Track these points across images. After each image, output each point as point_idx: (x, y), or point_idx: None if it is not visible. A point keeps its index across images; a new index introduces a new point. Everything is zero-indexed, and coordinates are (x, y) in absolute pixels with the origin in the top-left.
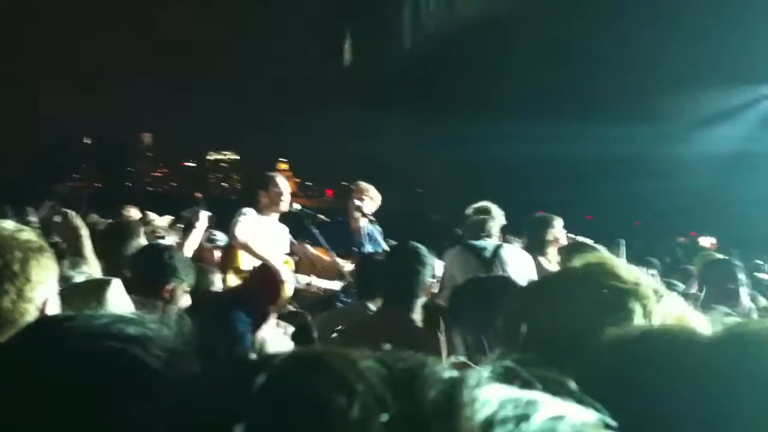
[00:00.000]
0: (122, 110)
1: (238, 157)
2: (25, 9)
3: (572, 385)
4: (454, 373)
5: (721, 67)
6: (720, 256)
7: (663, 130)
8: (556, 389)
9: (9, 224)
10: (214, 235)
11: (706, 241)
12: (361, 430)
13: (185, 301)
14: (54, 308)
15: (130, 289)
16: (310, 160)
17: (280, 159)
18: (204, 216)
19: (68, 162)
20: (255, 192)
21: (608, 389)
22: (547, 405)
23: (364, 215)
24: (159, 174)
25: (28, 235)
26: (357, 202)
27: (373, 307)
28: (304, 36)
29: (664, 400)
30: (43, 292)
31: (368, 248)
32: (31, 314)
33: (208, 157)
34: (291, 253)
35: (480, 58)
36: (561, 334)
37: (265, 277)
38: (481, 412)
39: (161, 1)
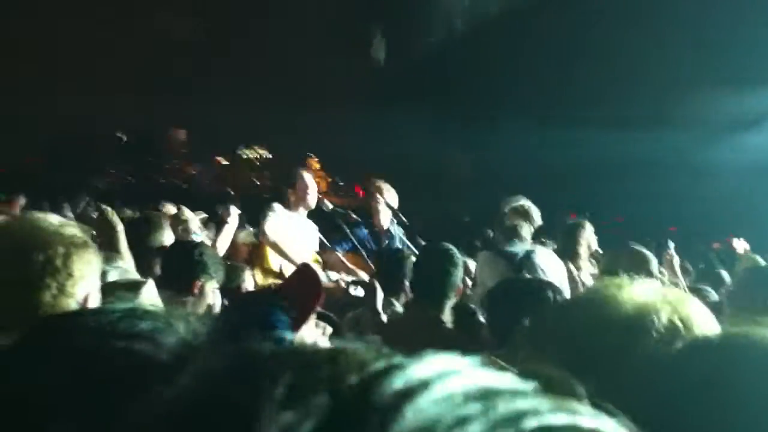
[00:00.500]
0: (156, 106)
1: (270, 156)
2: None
3: (581, 390)
4: (422, 374)
5: (754, 69)
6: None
7: (696, 133)
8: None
9: (54, 219)
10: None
11: (740, 247)
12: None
13: (215, 298)
14: (95, 303)
15: (159, 284)
16: (342, 158)
17: (312, 156)
18: (235, 212)
19: (102, 157)
20: (283, 189)
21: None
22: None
23: (393, 215)
24: (193, 171)
25: (73, 230)
26: (387, 201)
27: (398, 305)
28: (337, 33)
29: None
30: (84, 287)
31: (396, 246)
32: (72, 309)
33: (241, 154)
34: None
35: (511, 56)
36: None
37: (306, 277)
38: (416, 418)
39: None
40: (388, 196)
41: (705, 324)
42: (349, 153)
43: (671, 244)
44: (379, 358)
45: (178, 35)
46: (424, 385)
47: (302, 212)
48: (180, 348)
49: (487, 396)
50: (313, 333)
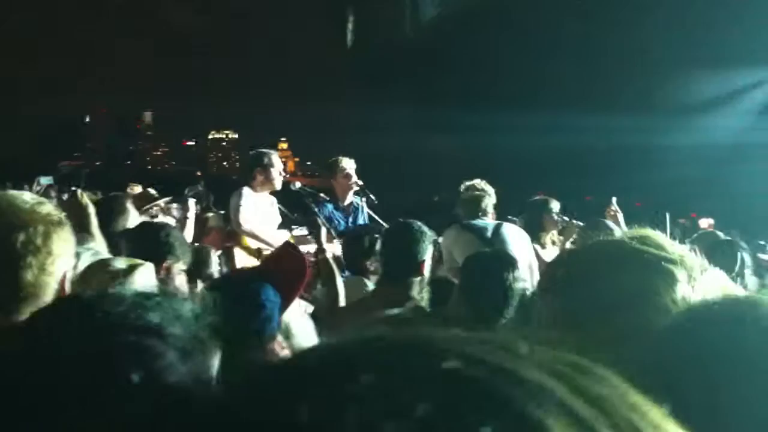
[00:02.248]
0: (123, 90)
1: (237, 136)
2: None
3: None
4: None
5: (720, 51)
6: (723, 236)
7: (662, 116)
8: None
9: (28, 197)
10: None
11: (705, 223)
12: None
13: (181, 279)
14: (69, 281)
15: None
16: (310, 139)
17: (280, 138)
18: (192, 204)
19: (69, 141)
20: (250, 170)
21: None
22: None
23: (361, 192)
24: (159, 153)
25: (48, 208)
26: (349, 179)
27: (369, 283)
28: (308, 16)
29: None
30: (62, 265)
31: (361, 222)
32: (51, 287)
33: (209, 137)
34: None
35: (489, 42)
36: (616, 297)
37: (290, 256)
38: None
39: None
40: (351, 171)
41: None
42: (318, 134)
43: (614, 200)
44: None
45: (155, 18)
46: None
47: (267, 193)
48: (188, 342)
49: None
50: (297, 311)
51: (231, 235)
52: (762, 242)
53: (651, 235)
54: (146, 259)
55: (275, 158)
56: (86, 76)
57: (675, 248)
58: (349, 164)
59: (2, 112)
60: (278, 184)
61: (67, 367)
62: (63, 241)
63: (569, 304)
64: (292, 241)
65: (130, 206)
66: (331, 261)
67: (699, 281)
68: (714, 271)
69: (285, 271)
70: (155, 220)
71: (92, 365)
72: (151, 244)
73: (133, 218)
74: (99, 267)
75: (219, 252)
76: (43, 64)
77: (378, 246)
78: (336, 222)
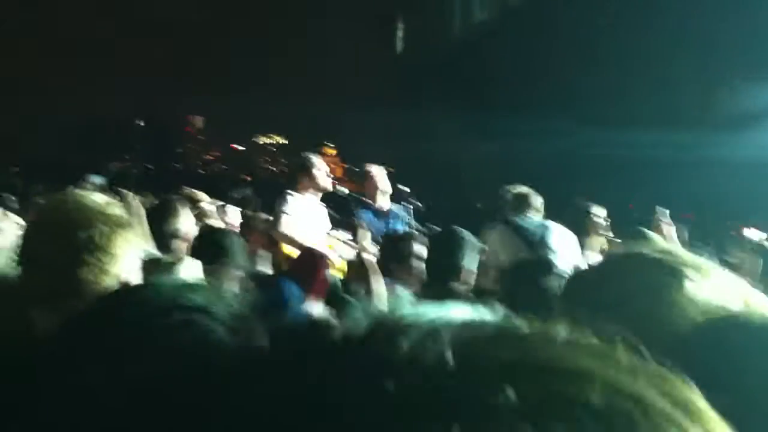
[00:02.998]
0: (171, 93)
1: (287, 141)
2: None
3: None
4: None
5: (745, 65)
6: None
7: (714, 128)
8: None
9: (98, 197)
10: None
11: (749, 233)
12: None
13: (239, 285)
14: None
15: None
16: (359, 145)
17: (326, 143)
18: (233, 211)
19: (119, 142)
20: (294, 174)
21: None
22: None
23: (405, 199)
24: (209, 157)
25: (116, 209)
26: (372, 181)
27: (401, 289)
28: (358, 20)
29: None
30: (124, 267)
31: (399, 229)
32: (111, 288)
33: (258, 141)
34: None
35: (529, 51)
36: (624, 295)
37: (308, 263)
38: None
39: None
40: (381, 179)
41: None
42: (368, 143)
43: (663, 210)
44: None
45: (195, 23)
46: None
47: (314, 197)
48: (234, 320)
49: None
50: (320, 307)
51: (273, 240)
52: None
53: (657, 240)
54: (205, 262)
55: (317, 160)
56: (134, 78)
57: (683, 251)
58: (374, 169)
59: (46, 110)
60: (326, 185)
61: (122, 347)
62: (126, 243)
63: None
64: (330, 247)
65: (184, 208)
66: (368, 263)
67: (710, 281)
68: (728, 273)
69: (303, 279)
70: (207, 223)
71: (145, 345)
72: (210, 247)
73: (188, 221)
74: (149, 262)
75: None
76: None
77: (412, 246)
78: (372, 226)
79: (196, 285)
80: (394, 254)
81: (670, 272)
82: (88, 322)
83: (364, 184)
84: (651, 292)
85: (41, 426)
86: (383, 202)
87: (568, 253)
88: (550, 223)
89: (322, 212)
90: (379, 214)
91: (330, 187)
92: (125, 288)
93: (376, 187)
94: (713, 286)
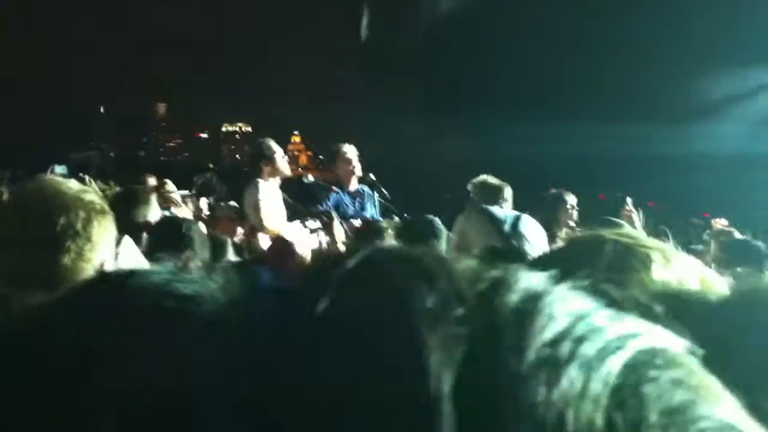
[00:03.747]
0: (136, 80)
1: (251, 129)
2: None
3: (657, 308)
4: (538, 285)
5: (730, 51)
6: (739, 235)
7: (678, 121)
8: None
9: (74, 184)
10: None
11: (718, 223)
12: (434, 320)
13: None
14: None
15: (145, 257)
16: (323, 133)
17: (293, 132)
18: (204, 203)
19: (82, 130)
20: (256, 162)
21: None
22: (625, 323)
23: (373, 186)
24: (173, 145)
25: (92, 196)
26: (349, 164)
27: None
28: (323, 7)
29: None
30: (101, 253)
31: (370, 211)
32: (88, 274)
33: (222, 129)
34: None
35: (504, 46)
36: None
37: (280, 250)
38: (553, 327)
39: None
40: (352, 155)
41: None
42: (332, 128)
43: (629, 200)
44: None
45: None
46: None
47: (275, 183)
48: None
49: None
50: None
51: (252, 230)
52: None
53: (625, 227)
54: (166, 251)
55: (275, 145)
56: (98, 67)
57: (647, 237)
58: (349, 150)
59: (9, 99)
60: (287, 171)
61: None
62: (104, 230)
63: None
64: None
65: (153, 199)
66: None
67: (674, 265)
68: (688, 257)
69: (274, 259)
70: (171, 212)
71: (137, 329)
72: (171, 236)
73: (155, 211)
74: None
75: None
76: (48, 55)
77: (388, 234)
78: (344, 207)
79: (185, 276)
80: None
81: (635, 254)
82: (70, 309)
83: (336, 165)
84: (618, 273)
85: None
86: (355, 183)
87: (538, 242)
88: (522, 214)
89: (280, 197)
90: (351, 195)
91: (289, 173)
92: (109, 274)
93: (351, 169)
94: (674, 268)
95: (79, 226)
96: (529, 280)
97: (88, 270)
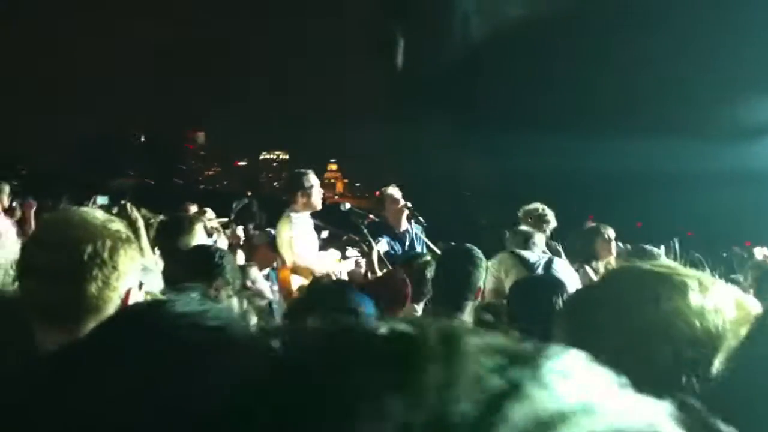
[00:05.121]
0: (176, 109)
1: (288, 157)
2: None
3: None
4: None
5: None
6: None
7: (715, 143)
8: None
9: (100, 214)
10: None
11: (761, 252)
12: None
13: (230, 303)
14: (136, 299)
15: (179, 282)
16: (359, 161)
17: (330, 159)
18: (240, 231)
19: (122, 158)
20: (291, 192)
21: None
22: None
23: (410, 217)
24: (211, 173)
25: (118, 225)
26: (398, 203)
27: (418, 308)
28: (358, 38)
29: None
30: (127, 281)
31: (419, 249)
32: (114, 303)
33: (260, 157)
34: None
35: (528, 65)
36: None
37: (394, 283)
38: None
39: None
40: (397, 197)
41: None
42: (368, 156)
43: (676, 240)
44: (499, 370)
45: (199, 39)
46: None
47: (307, 214)
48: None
49: None
50: None
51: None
52: None
53: (661, 257)
54: (198, 279)
55: (315, 179)
56: (139, 93)
57: (682, 267)
58: (395, 191)
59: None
60: (319, 205)
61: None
62: (129, 259)
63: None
64: (339, 261)
65: (199, 228)
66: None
67: (711, 292)
68: (725, 284)
69: (388, 291)
70: (211, 240)
71: (169, 365)
72: (204, 264)
73: (201, 239)
74: None
75: (268, 269)
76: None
77: (432, 269)
78: (394, 250)
79: (212, 310)
80: (418, 280)
81: (672, 283)
82: (98, 345)
83: (386, 207)
84: (650, 303)
85: None
86: (400, 221)
87: (569, 281)
88: (553, 257)
89: (312, 227)
90: (397, 235)
91: (320, 205)
92: (139, 307)
93: (401, 209)
94: (711, 295)
95: (105, 255)
96: (543, 401)
97: (114, 298)
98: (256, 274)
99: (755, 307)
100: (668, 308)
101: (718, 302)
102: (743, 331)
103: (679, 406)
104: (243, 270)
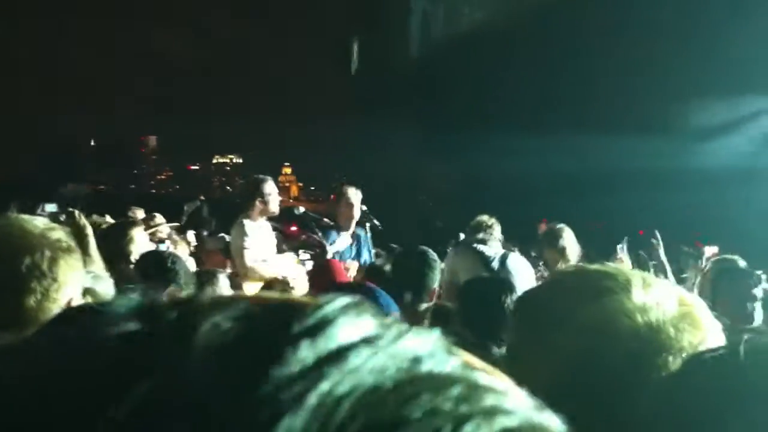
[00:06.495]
0: (126, 113)
1: (242, 161)
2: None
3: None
4: None
5: (724, 78)
6: (742, 264)
7: (668, 142)
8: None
9: (40, 222)
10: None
11: (710, 251)
12: None
13: None
14: None
15: (129, 290)
16: (314, 164)
17: (284, 163)
18: (192, 236)
19: (72, 164)
20: (248, 197)
21: None
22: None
23: (365, 218)
24: (163, 177)
25: (58, 234)
26: (351, 209)
27: None
28: (313, 42)
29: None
30: (68, 292)
31: (365, 256)
32: (54, 314)
33: (213, 161)
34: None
35: (486, 68)
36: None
37: (329, 270)
38: None
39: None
40: (355, 200)
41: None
42: (322, 159)
43: (625, 239)
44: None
45: (156, 47)
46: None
47: (264, 220)
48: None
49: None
50: None
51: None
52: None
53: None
54: (151, 284)
55: (274, 186)
56: (90, 99)
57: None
58: (353, 194)
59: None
60: (276, 210)
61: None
62: (70, 269)
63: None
64: (297, 263)
65: (137, 233)
66: None
67: (653, 289)
68: (665, 281)
69: (322, 282)
70: (161, 246)
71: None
72: (156, 270)
73: (143, 245)
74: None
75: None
76: (45, 86)
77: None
78: (339, 252)
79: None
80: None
81: (616, 280)
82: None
83: (338, 206)
84: (597, 301)
85: None
86: (353, 227)
87: (525, 278)
88: (510, 252)
89: (271, 232)
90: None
91: (277, 211)
92: (72, 310)
93: (353, 214)
94: (653, 292)
95: (44, 266)
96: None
97: (54, 310)
98: (225, 281)
99: (697, 304)
100: (612, 304)
101: (660, 298)
102: (684, 326)
103: None
104: (212, 276)
